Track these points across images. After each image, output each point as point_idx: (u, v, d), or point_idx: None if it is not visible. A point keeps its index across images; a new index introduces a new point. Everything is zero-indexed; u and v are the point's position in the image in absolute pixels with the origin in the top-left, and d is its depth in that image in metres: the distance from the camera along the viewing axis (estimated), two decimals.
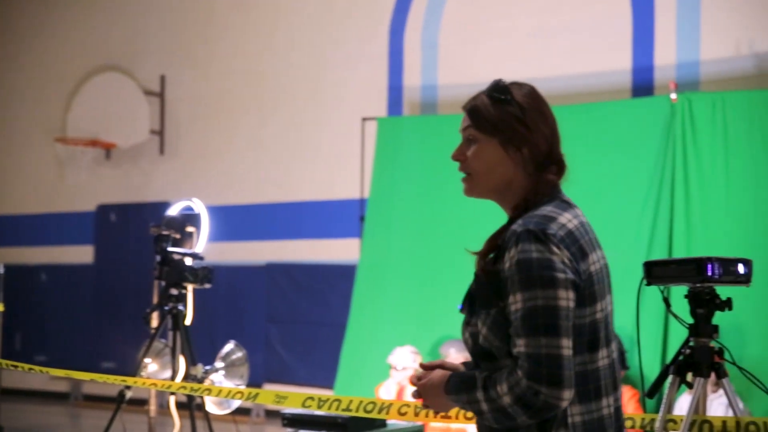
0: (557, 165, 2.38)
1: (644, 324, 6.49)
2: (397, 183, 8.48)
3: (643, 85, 8.42)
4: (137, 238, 10.85)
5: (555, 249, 2.18)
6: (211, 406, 5.74)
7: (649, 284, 3.67)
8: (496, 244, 2.27)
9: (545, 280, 2.15)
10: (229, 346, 5.88)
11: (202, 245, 6.06)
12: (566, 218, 2.26)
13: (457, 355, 7.08)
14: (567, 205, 2.33)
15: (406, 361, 7.34)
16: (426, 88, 9.44)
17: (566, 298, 2.16)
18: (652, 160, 7.36)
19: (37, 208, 12.43)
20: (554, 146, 2.38)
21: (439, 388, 2.29)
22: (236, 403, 5.71)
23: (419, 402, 2.35)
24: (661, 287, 3.70)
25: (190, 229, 6.09)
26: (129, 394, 5.71)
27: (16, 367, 5.62)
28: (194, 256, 5.92)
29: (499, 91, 2.34)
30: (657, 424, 3.64)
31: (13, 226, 12.62)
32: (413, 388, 2.37)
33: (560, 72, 8.82)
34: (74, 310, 11.95)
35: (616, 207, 7.46)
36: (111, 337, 11.15)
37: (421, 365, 2.38)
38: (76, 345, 11.74)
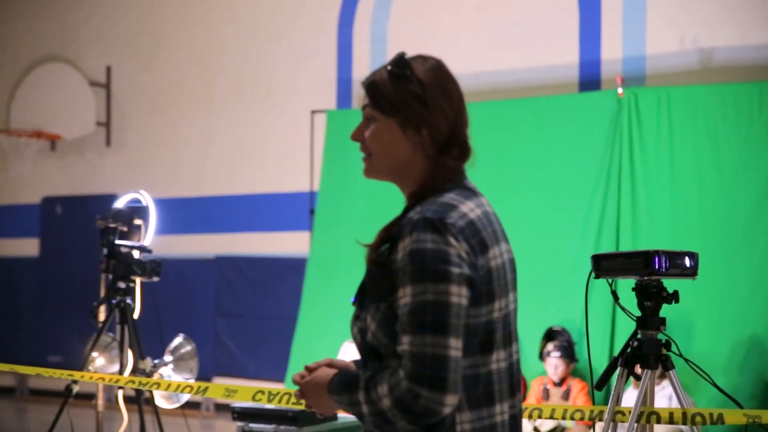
0: (460, 148, 2.16)
1: (592, 316, 6.54)
2: (347, 176, 8.48)
3: (590, 80, 8.50)
4: (83, 230, 10.73)
5: (452, 240, 1.99)
6: (160, 400, 5.71)
7: (597, 277, 3.70)
8: (391, 234, 2.09)
9: (438, 273, 1.96)
10: (178, 339, 5.85)
11: (150, 238, 6.01)
12: (468, 207, 2.07)
13: None
14: (471, 193, 2.13)
15: (354, 355, 7.35)
16: None
17: (458, 295, 1.97)
18: (599, 154, 7.44)
19: None
20: (458, 127, 2.15)
21: (321, 388, 2.11)
22: (185, 397, 5.68)
23: (302, 402, 2.17)
24: (609, 280, 3.74)
25: (137, 221, 6.03)
26: (76, 389, 5.65)
27: None
28: (142, 249, 5.88)
29: (398, 66, 2.14)
30: (606, 416, 3.68)
31: None
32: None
33: (508, 66, 8.86)
34: (19, 303, 11.79)
35: (564, 201, 7.53)
36: (57, 331, 11.02)
37: (306, 367, 2.19)
38: (21, 339, 11.59)
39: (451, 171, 2.14)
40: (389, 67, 2.15)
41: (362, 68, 9.57)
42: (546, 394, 7.00)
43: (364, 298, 2.13)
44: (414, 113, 2.11)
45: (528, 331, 6.99)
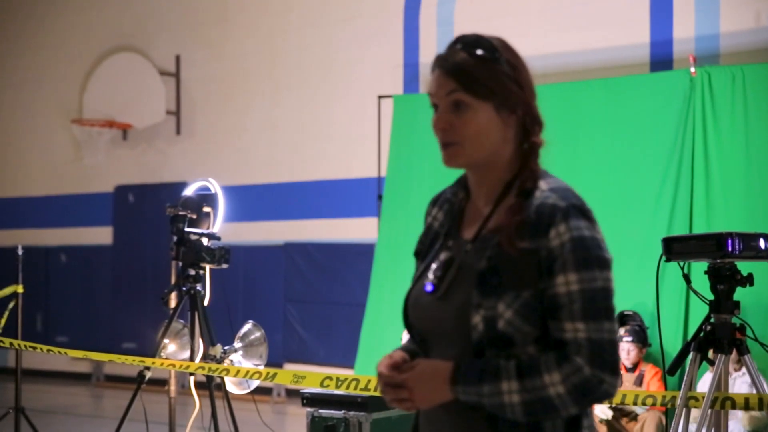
0: (539, 125, 2.14)
1: (665, 300, 6.45)
2: (415, 161, 8.45)
3: (661, 59, 8.34)
4: (155, 218, 10.87)
5: (597, 227, 2.04)
6: (231, 386, 5.75)
7: (668, 260, 3.63)
8: (523, 220, 2.04)
9: (601, 260, 2.01)
10: (248, 326, 5.88)
11: (219, 225, 6.05)
12: (576, 191, 2.10)
13: None
14: None
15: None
16: None
17: (612, 280, 2.03)
18: (671, 135, 7.30)
19: (55, 189, 12.48)
20: (537, 103, 2.15)
21: (440, 380, 2.03)
22: (255, 383, 5.71)
23: (392, 396, 2.08)
24: (681, 263, 3.66)
25: (206, 209, 6.07)
26: (149, 375, 5.72)
27: (34, 348, 5.65)
28: (211, 236, 5.91)
29: (485, 48, 2.12)
30: (678, 401, 3.61)
31: (32, 208, 12.68)
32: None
33: (578, 47, 8.74)
34: (94, 290, 12.01)
35: (635, 182, 7.42)
36: (131, 318, 11.20)
37: (395, 363, 2.11)
38: (97, 326, 11.80)
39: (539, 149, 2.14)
40: (470, 50, 2.12)
41: (429, 52, 9.51)
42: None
43: (483, 285, 2.03)
44: (511, 94, 2.09)
45: None
